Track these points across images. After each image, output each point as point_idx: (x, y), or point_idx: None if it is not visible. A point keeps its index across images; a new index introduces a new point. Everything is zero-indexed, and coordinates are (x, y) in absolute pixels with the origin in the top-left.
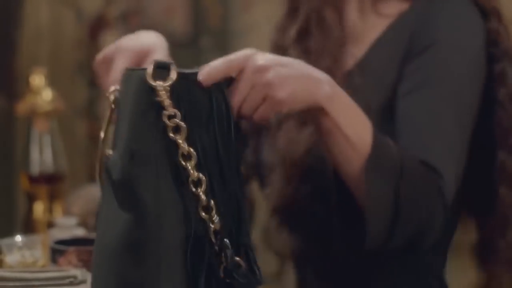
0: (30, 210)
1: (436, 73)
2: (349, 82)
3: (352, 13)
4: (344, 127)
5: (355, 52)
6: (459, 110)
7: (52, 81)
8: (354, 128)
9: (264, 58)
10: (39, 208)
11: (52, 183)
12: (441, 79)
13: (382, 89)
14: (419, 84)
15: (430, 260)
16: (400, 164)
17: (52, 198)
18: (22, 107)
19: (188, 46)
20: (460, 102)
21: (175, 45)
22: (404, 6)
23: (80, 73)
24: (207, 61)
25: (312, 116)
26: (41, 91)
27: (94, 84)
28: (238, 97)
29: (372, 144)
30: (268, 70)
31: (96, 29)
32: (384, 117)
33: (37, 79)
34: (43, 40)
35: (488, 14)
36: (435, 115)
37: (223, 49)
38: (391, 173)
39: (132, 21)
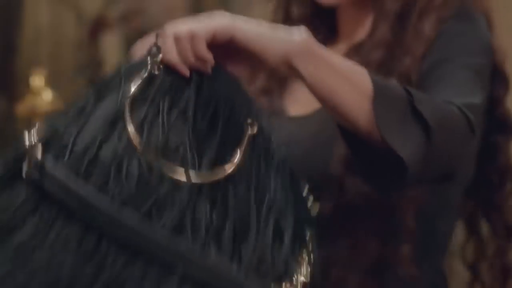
0: None
1: (456, 48)
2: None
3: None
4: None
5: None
6: (479, 73)
7: (52, 82)
8: (343, 72)
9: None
10: None
11: None
12: (461, 53)
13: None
14: (439, 60)
15: (435, 254)
16: (411, 93)
17: None
18: (22, 108)
19: None
20: (479, 69)
21: None
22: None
23: (80, 73)
24: None
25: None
26: (41, 92)
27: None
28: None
29: (372, 82)
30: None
31: (96, 30)
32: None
33: (37, 80)
34: (43, 41)
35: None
36: (458, 74)
37: None
38: (403, 104)
39: (132, 22)
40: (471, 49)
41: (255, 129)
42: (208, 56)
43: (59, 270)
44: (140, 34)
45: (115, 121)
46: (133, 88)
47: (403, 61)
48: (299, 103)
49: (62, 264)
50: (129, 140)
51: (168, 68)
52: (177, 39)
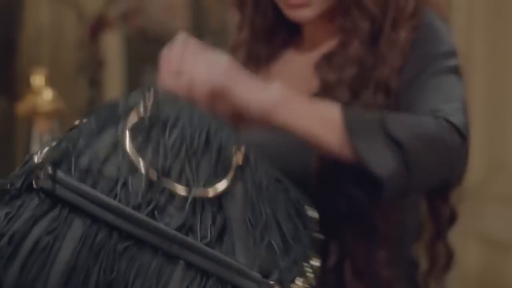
0: None
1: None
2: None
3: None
4: (301, 125)
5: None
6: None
7: (53, 82)
8: (314, 117)
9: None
10: None
11: None
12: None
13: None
14: (418, 74)
15: (408, 245)
16: (385, 118)
17: None
18: (22, 108)
19: None
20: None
21: None
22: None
23: (81, 73)
24: None
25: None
26: (42, 92)
27: (94, 84)
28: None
29: (342, 114)
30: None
31: (97, 29)
32: None
33: (38, 80)
34: (43, 41)
35: None
36: (439, 82)
37: (224, 49)
38: (379, 130)
39: (132, 21)
40: (445, 52)
41: (241, 160)
42: (201, 101)
43: (73, 260)
44: (141, 33)
45: (117, 144)
46: (130, 124)
47: (381, 71)
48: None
49: (77, 254)
50: (130, 161)
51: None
52: (178, 83)
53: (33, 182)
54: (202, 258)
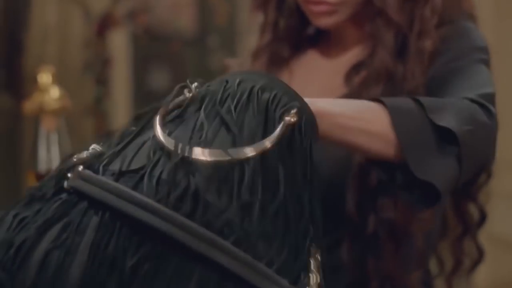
0: None
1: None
2: None
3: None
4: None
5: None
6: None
7: (60, 80)
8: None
9: None
10: None
11: None
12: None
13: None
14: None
15: (428, 255)
16: (424, 108)
17: None
18: (29, 106)
19: (195, 44)
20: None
21: (182, 43)
22: None
23: (88, 71)
24: (214, 59)
25: None
26: (49, 90)
27: (101, 82)
28: None
29: (389, 114)
30: None
31: (104, 28)
32: None
33: (45, 78)
34: (50, 39)
35: None
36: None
37: (230, 48)
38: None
39: (139, 20)
40: (478, 46)
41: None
42: None
43: (100, 250)
44: (147, 31)
45: (147, 140)
46: (161, 113)
47: (410, 83)
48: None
49: (105, 244)
50: (159, 142)
51: None
52: None
53: (64, 182)
54: (230, 259)
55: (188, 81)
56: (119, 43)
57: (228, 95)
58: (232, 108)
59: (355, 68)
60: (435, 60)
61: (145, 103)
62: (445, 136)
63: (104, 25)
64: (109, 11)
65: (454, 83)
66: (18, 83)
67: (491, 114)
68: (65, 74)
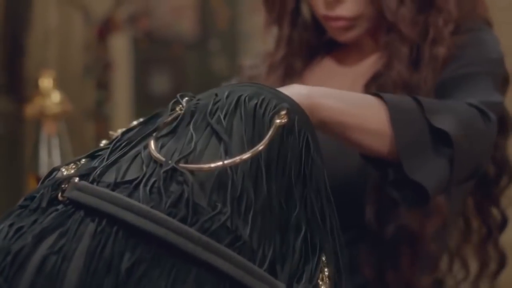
0: None
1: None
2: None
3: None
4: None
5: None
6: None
7: (61, 84)
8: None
9: None
10: None
11: None
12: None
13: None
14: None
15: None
16: (423, 107)
17: None
18: (30, 110)
19: (196, 48)
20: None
21: (183, 47)
22: None
23: (89, 75)
24: (215, 63)
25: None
26: (50, 94)
27: (102, 86)
28: None
29: (388, 110)
30: None
31: (104, 32)
32: None
33: (46, 82)
34: (51, 43)
35: None
36: (475, 80)
37: (231, 51)
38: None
39: (140, 23)
40: (489, 58)
41: (285, 121)
42: None
43: (96, 254)
44: (148, 35)
45: (139, 153)
46: (156, 133)
47: (422, 88)
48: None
49: (101, 248)
50: (152, 155)
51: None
52: None
53: (58, 194)
54: (226, 263)
55: (178, 96)
56: (120, 46)
57: (218, 107)
58: (222, 117)
59: (374, 79)
60: (447, 65)
61: (146, 107)
62: (440, 138)
63: (105, 28)
64: (110, 15)
65: (460, 88)
66: (19, 87)
67: (489, 121)
68: (66, 78)
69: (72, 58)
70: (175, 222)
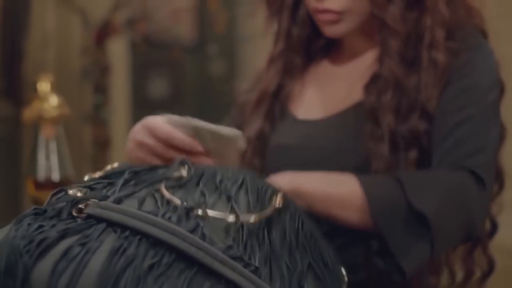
0: None
1: (470, 99)
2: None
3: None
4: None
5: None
6: (491, 122)
7: (59, 87)
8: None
9: None
10: None
11: None
12: (474, 104)
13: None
14: (454, 109)
15: None
16: (407, 188)
17: None
18: (28, 113)
19: (194, 52)
20: (492, 118)
21: (181, 51)
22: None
23: (86, 79)
24: (212, 67)
25: None
26: (48, 97)
27: (100, 89)
28: None
29: (365, 194)
30: None
31: (102, 35)
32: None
33: (44, 86)
34: (49, 47)
35: None
36: (468, 121)
37: (229, 55)
38: (400, 208)
39: (138, 27)
40: (484, 86)
41: (280, 203)
42: None
43: (119, 252)
44: (146, 38)
45: (152, 194)
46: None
47: (423, 95)
48: (306, 107)
49: (124, 248)
50: (165, 197)
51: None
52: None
53: (74, 210)
54: (242, 277)
55: (179, 160)
56: (118, 50)
57: (224, 177)
58: (229, 185)
59: (373, 80)
60: (450, 82)
61: (144, 110)
62: (421, 220)
63: (103, 32)
64: (108, 19)
65: (458, 137)
66: (18, 90)
67: (483, 183)
68: (64, 82)
69: (70, 61)
70: (195, 238)
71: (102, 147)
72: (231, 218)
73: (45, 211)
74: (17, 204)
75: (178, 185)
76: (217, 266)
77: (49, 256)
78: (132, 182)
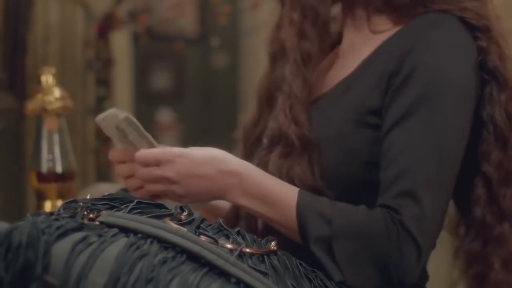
0: (39, 208)
1: (418, 103)
2: (332, 93)
3: (348, 28)
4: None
5: (347, 66)
6: (441, 140)
7: (61, 80)
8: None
9: (176, 169)
10: (48, 207)
11: (61, 181)
12: (422, 109)
13: (362, 109)
14: (401, 117)
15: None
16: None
17: (61, 196)
18: (31, 106)
19: (197, 44)
20: (444, 131)
21: (184, 43)
22: (397, 25)
23: (89, 71)
24: (215, 59)
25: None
26: (51, 90)
27: (103, 82)
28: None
29: (297, 220)
30: (174, 183)
31: (105, 28)
32: (359, 137)
33: (47, 78)
34: (52, 40)
35: (476, 32)
36: (414, 147)
37: (232, 48)
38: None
39: (140, 20)
40: (422, 96)
41: (275, 247)
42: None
43: (134, 247)
44: (149, 31)
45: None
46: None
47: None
48: (321, 82)
49: (137, 246)
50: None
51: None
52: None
53: (85, 219)
54: (252, 278)
55: (178, 208)
56: (120, 43)
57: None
58: (229, 229)
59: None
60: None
61: (147, 103)
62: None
63: (105, 25)
64: (110, 11)
65: (386, 165)
66: (21, 83)
67: (400, 221)
68: (67, 74)
69: (73, 54)
70: (207, 243)
71: (104, 139)
72: (234, 247)
73: (58, 214)
74: (20, 196)
75: (183, 223)
76: (228, 267)
77: (68, 238)
78: (138, 211)
